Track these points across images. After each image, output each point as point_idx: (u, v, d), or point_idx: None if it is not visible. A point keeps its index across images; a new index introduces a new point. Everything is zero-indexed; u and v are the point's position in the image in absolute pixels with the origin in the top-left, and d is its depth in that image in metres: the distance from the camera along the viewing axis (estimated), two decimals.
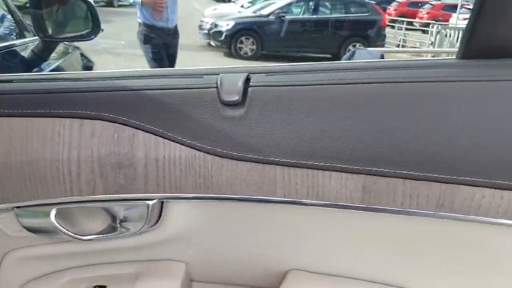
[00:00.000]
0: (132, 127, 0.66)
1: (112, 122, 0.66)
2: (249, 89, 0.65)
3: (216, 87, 0.65)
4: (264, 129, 0.63)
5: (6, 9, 1.88)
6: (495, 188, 0.59)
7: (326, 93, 0.63)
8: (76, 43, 2.20)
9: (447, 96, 0.61)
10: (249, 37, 8.01)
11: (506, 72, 0.59)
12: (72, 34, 1.61)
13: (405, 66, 0.65)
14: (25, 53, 1.66)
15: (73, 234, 0.71)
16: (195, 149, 0.65)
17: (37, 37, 1.57)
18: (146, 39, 3.37)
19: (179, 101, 0.66)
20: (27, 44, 1.72)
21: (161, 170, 0.66)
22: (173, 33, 3.50)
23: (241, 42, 8.00)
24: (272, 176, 0.64)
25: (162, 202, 0.71)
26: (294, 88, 0.64)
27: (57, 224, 0.69)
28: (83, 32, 1.54)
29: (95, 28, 1.53)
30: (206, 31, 8.54)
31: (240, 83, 0.65)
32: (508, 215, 0.60)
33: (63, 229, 0.70)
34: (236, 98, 0.64)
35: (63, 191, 0.67)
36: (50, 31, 1.46)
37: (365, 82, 0.62)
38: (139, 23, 3.40)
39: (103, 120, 0.66)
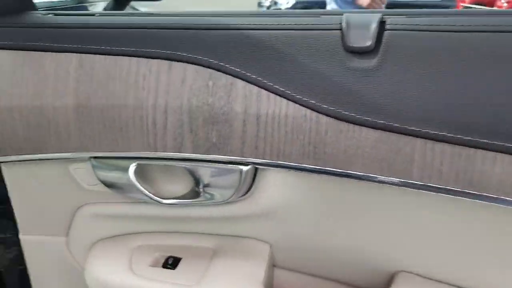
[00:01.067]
0: (230, 74, 0.54)
1: (207, 67, 0.54)
2: (386, 33, 0.50)
3: (341, 29, 0.51)
4: (402, 88, 0.49)
5: None
6: None
7: (490, 44, 0.47)
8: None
9: None
10: None
11: None
12: None
13: None
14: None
15: (152, 196, 0.61)
16: (306, 107, 0.52)
17: None
18: None
19: (290, 44, 0.52)
20: (98, 3, 1.70)
21: (262, 130, 0.53)
22: None
23: None
24: (409, 151, 0.50)
25: (256, 169, 0.59)
26: (448, 34, 0.48)
27: (135, 182, 0.60)
28: None
29: None
30: (266, 9, 8.38)
31: (374, 25, 0.50)
32: None
33: (142, 188, 0.61)
34: (368, 43, 0.50)
35: (146, 145, 0.57)
36: None
37: None
38: None
39: (196, 64, 0.55)
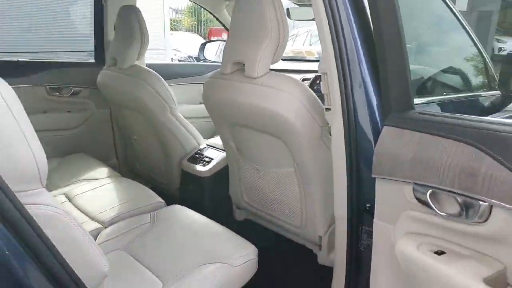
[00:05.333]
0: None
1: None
2: None
3: None
4: None
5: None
6: None
7: None
8: None
9: None
10: None
11: None
12: None
13: None
14: (486, 104, 1.76)
15: (436, 209, 0.97)
16: None
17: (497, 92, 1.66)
18: None
19: None
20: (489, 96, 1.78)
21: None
22: None
23: None
24: None
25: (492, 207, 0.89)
26: None
27: (429, 200, 0.99)
28: None
29: None
30: None
31: None
32: None
33: (431, 204, 0.98)
34: None
35: (438, 180, 0.96)
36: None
37: None
38: None
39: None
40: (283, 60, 2.90)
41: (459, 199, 0.94)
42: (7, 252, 0.64)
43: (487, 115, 1.66)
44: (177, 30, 17.11)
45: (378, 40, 1.11)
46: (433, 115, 1.07)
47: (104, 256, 0.93)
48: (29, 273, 0.69)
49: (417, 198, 1.02)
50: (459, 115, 1.02)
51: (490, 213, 0.89)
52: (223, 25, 2.86)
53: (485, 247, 0.95)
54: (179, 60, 9.49)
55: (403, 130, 1.06)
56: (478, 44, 1.81)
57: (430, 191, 0.99)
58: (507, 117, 1.46)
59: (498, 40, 13.36)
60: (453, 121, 0.99)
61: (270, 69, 1.41)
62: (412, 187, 1.03)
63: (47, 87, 2.30)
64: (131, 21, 2.01)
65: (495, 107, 1.69)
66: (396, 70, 1.10)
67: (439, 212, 0.98)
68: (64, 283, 0.72)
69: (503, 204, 0.86)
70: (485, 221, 0.90)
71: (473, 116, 1.00)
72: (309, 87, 1.86)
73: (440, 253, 0.99)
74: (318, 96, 1.38)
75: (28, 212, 0.69)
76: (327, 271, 1.43)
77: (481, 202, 0.90)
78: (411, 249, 1.02)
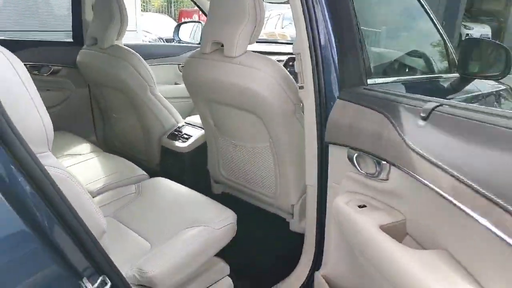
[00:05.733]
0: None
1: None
2: None
3: None
4: None
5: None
6: None
7: None
8: None
9: None
10: None
11: None
12: (485, 74, 1.84)
13: None
14: (445, 85, 1.89)
15: (360, 170, 1.17)
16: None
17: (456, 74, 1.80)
18: None
19: None
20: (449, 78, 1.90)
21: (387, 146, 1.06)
22: None
23: None
24: None
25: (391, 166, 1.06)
26: None
27: (355, 162, 1.17)
28: (495, 73, 1.78)
29: (506, 71, 1.75)
30: None
31: None
32: None
33: (357, 165, 1.17)
34: None
35: (361, 144, 1.15)
36: (470, 69, 1.75)
37: None
38: None
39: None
40: (257, 42, 2.98)
41: (375, 160, 1.10)
42: (33, 207, 0.73)
43: (447, 95, 1.82)
44: (146, 11, 16.81)
45: (336, 27, 1.25)
46: (371, 91, 1.22)
47: (102, 214, 1.03)
48: (52, 227, 0.77)
49: (350, 161, 1.19)
50: (389, 91, 1.18)
51: (390, 171, 1.06)
52: (197, 5, 2.91)
53: (390, 201, 1.11)
54: (150, 42, 9.43)
55: (347, 103, 1.23)
56: (441, 30, 1.96)
57: (356, 154, 1.17)
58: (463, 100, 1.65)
59: (465, 27, 13.80)
60: (378, 95, 1.17)
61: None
62: (347, 151, 1.20)
63: (27, 65, 2.33)
64: (110, 0, 2.05)
65: (455, 88, 1.85)
66: (349, 51, 1.26)
67: (362, 172, 1.16)
68: (80, 235, 0.81)
69: (395, 163, 1.03)
70: (387, 179, 1.07)
71: (395, 91, 1.18)
72: None
73: (362, 206, 1.16)
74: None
75: (48, 172, 0.76)
76: (299, 237, 1.57)
77: (383, 162, 1.07)
78: (342, 204, 1.19)
